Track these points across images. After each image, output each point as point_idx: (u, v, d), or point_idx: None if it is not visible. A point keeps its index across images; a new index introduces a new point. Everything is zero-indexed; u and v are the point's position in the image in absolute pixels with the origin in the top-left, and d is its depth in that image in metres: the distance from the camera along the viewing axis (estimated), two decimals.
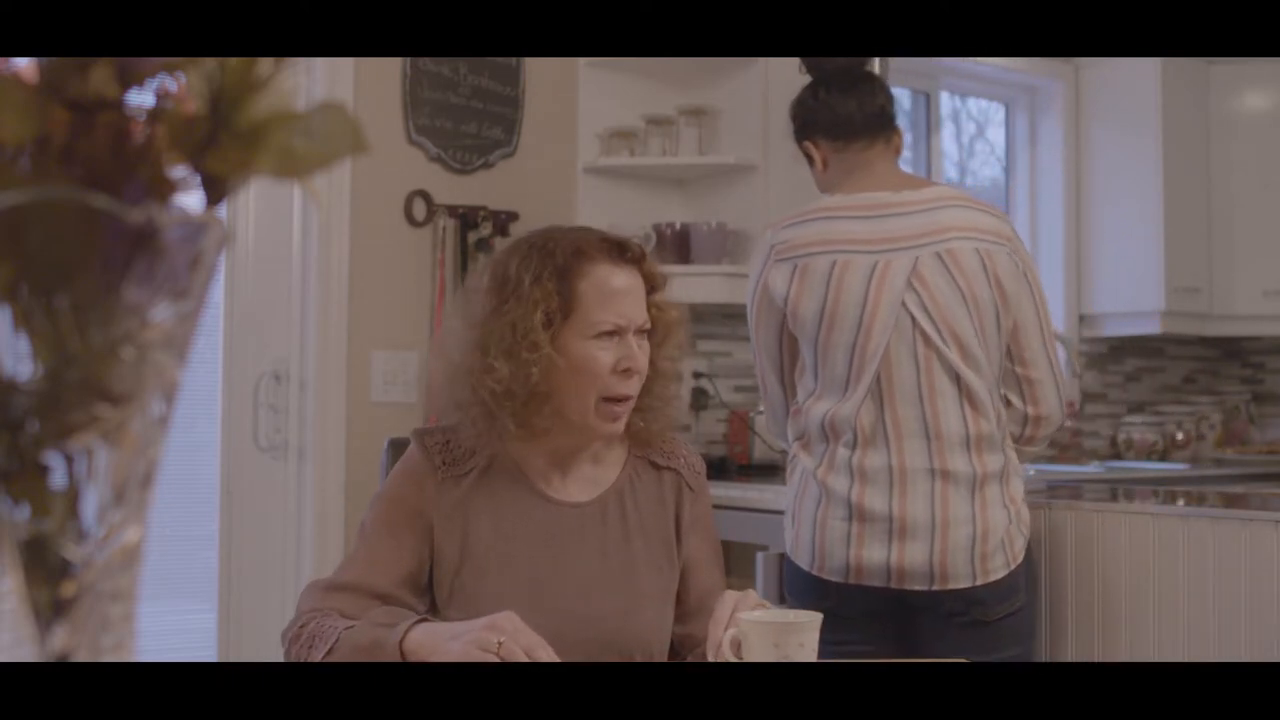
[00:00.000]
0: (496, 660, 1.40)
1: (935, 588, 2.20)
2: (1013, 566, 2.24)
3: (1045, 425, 2.34)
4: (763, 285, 2.29)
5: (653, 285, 1.72)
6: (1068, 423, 4.67)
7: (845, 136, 2.34)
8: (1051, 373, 2.31)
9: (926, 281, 2.20)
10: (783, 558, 2.40)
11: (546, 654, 1.43)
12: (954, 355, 2.20)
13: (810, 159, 2.40)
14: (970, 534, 2.19)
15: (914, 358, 2.19)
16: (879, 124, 2.34)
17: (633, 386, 1.67)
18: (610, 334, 1.65)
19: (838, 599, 2.19)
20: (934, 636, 2.22)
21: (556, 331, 1.64)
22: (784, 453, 3.01)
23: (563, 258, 1.66)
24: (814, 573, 2.25)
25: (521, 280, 1.64)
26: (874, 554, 2.19)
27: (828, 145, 2.36)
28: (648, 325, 1.69)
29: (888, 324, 2.19)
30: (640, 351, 1.67)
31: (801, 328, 2.25)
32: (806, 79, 2.42)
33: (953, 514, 2.19)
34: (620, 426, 1.69)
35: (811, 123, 2.37)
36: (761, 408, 3.82)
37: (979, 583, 2.20)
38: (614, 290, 1.66)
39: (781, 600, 2.47)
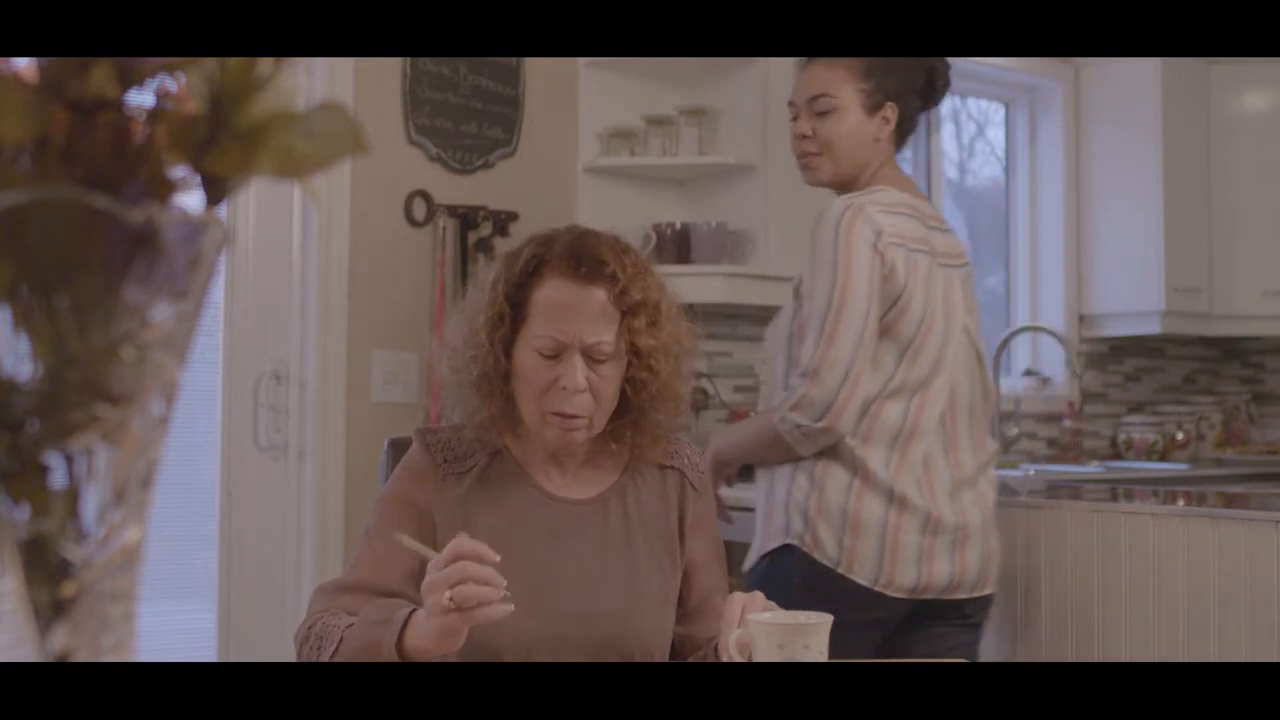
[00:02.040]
0: (458, 610, 1.36)
1: (975, 594, 2.23)
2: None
3: None
4: (888, 265, 2.15)
5: (629, 310, 1.65)
6: (1067, 422, 4.67)
7: (911, 130, 2.35)
8: None
9: (971, 301, 2.32)
10: (794, 559, 2.20)
11: (470, 543, 1.39)
12: (986, 374, 2.31)
13: (879, 118, 2.31)
14: (999, 542, 2.30)
15: (968, 372, 2.26)
16: (914, 130, 2.37)
17: (578, 406, 1.63)
18: (552, 348, 1.63)
19: (889, 611, 2.17)
20: (939, 638, 2.23)
21: (507, 336, 1.66)
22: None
23: (523, 264, 1.67)
24: (876, 588, 2.14)
25: (486, 280, 1.69)
26: (941, 567, 2.18)
27: (894, 124, 2.31)
28: (604, 348, 1.63)
29: (957, 338, 2.25)
30: (587, 373, 1.62)
31: (907, 321, 2.17)
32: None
33: (991, 521, 2.28)
34: (571, 440, 1.66)
35: (914, 93, 2.32)
36: (766, 401, 3.82)
37: (991, 591, 2.29)
38: (557, 306, 1.63)
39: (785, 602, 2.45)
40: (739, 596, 1.53)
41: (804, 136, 2.32)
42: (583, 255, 1.65)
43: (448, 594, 1.35)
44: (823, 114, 2.30)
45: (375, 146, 3.15)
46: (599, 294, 1.64)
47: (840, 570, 2.15)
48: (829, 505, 2.17)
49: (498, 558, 1.38)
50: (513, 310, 1.66)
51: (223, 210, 0.56)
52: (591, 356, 1.63)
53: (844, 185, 2.31)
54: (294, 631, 1.62)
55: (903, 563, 2.15)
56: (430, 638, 1.41)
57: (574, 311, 1.63)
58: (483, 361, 1.65)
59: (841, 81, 2.29)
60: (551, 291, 1.64)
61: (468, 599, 1.35)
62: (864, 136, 2.29)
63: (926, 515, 2.15)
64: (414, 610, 1.48)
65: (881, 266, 2.14)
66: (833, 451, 2.17)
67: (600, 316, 1.63)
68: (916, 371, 2.19)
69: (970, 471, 2.24)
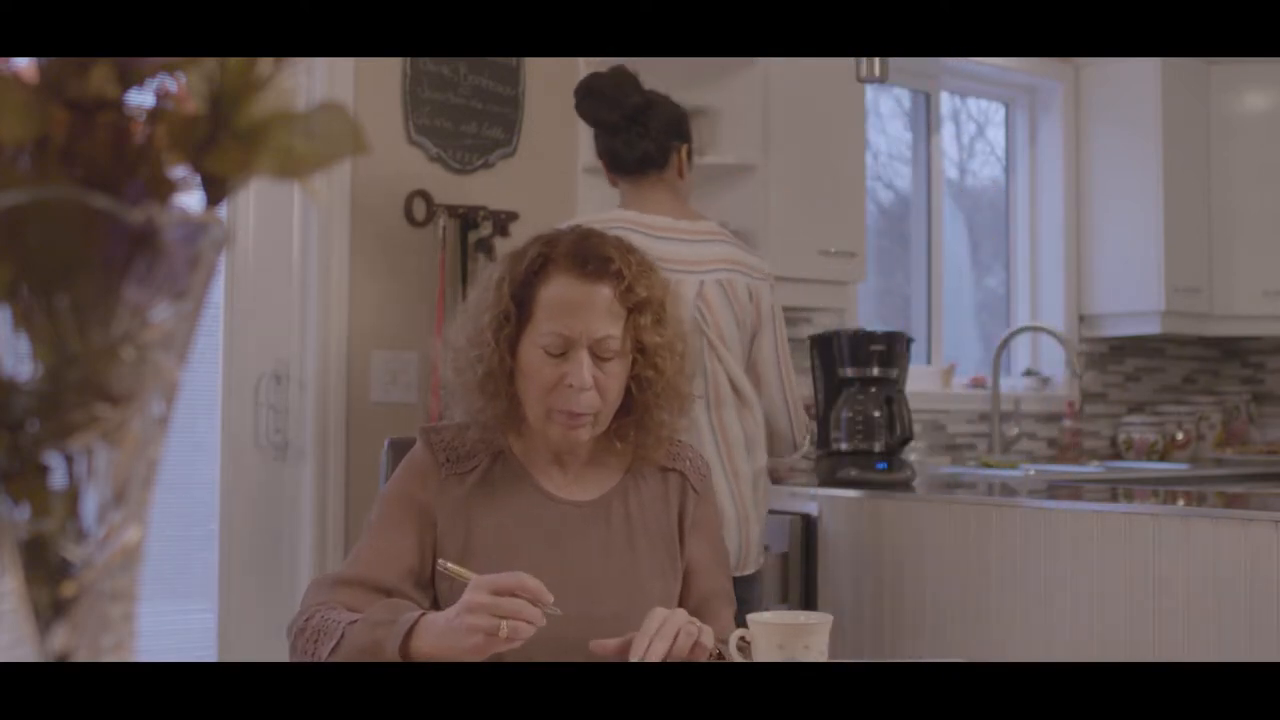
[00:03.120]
0: (505, 640, 1.40)
1: (740, 574, 2.43)
2: (762, 562, 2.58)
3: (778, 442, 2.67)
4: None
5: (635, 307, 1.66)
6: (1067, 422, 4.67)
7: (618, 169, 2.66)
8: (784, 399, 2.64)
9: (711, 303, 2.52)
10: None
11: (534, 582, 1.43)
12: (734, 367, 2.52)
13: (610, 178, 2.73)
14: (761, 529, 2.56)
15: (702, 370, 2.47)
16: (643, 166, 2.63)
17: (583, 403, 1.63)
18: (558, 345, 1.63)
19: None
20: None
21: (512, 334, 1.66)
22: None
23: (528, 263, 1.67)
24: None
25: (491, 279, 1.70)
26: None
27: (609, 172, 2.69)
28: (611, 345, 1.64)
29: None
30: (594, 370, 1.63)
31: None
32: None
33: (749, 509, 2.50)
34: (576, 437, 1.66)
35: (600, 150, 2.68)
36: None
37: (750, 571, 2.51)
38: (564, 303, 1.63)
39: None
40: (660, 611, 1.52)
41: None
42: (588, 253, 1.65)
43: (504, 625, 1.40)
44: None
45: (375, 146, 3.15)
46: (605, 291, 1.64)
47: None
48: None
49: (552, 598, 1.43)
50: (518, 309, 1.66)
51: (223, 210, 0.56)
52: (598, 353, 1.64)
53: None
54: (288, 624, 1.62)
55: None
56: (456, 649, 1.42)
57: (580, 308, 1.63)
58: (488, 360, 1.65)
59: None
60: (558, 289, 1.64)
61: (518, 633, 1.40)
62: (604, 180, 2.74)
63: None
64: (422, 614, 1.48)
65: None
66: None
67: (606, 313, 1.64)
68: None
69: (717, 464, 2.44)
